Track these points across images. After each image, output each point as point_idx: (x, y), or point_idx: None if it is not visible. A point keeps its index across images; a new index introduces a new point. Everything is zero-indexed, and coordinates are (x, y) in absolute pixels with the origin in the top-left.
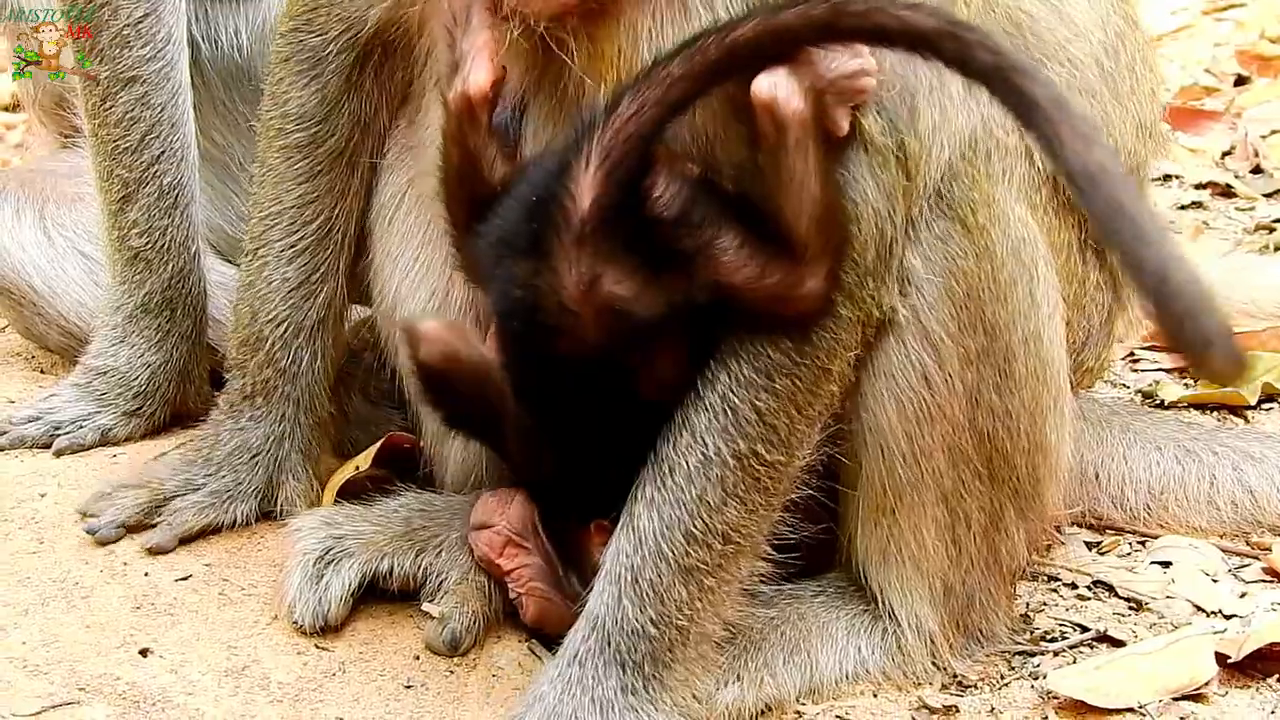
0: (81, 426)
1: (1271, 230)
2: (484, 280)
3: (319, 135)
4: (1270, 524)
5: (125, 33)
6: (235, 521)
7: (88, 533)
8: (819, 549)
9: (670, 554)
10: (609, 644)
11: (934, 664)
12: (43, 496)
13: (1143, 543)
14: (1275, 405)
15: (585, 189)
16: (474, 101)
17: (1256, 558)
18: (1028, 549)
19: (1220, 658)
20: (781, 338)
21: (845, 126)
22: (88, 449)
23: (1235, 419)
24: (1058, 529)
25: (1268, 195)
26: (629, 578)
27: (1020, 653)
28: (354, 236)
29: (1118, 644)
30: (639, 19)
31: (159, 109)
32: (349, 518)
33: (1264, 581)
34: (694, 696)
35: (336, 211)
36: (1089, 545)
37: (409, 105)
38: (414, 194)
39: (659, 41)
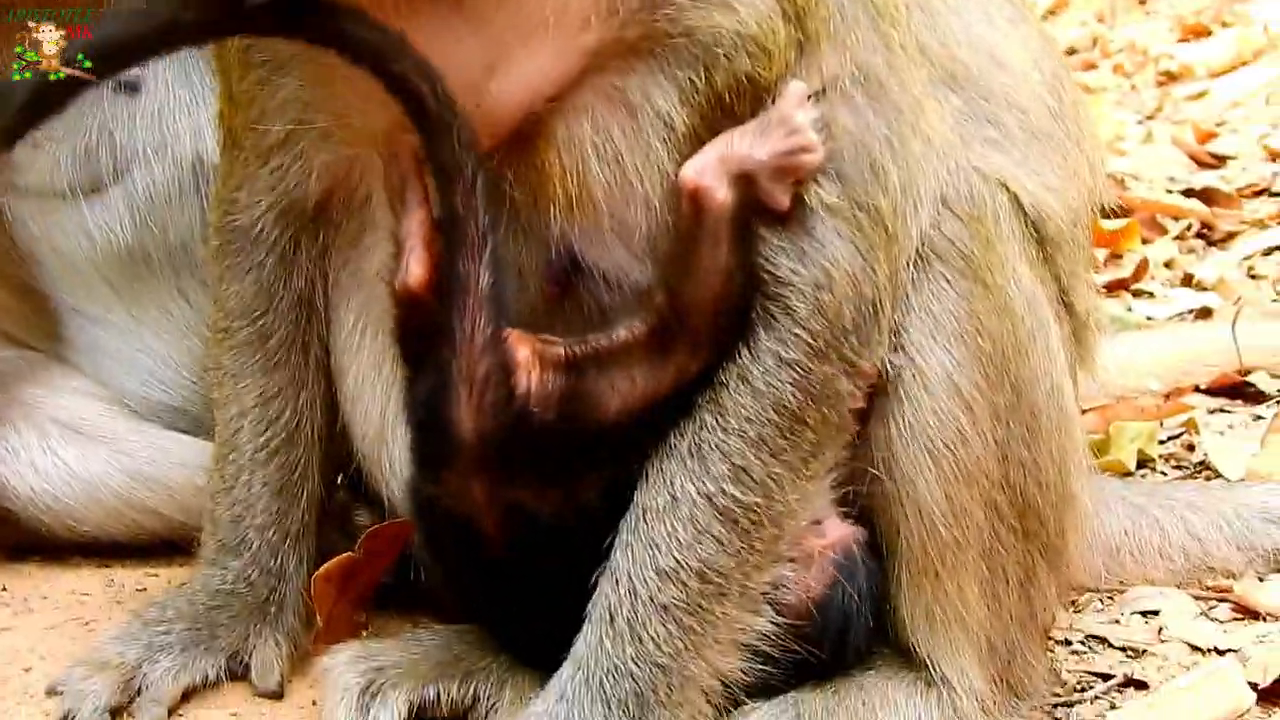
0: None
1: None
2: None
3: (265, 328)
4: (1220, 567)
5: None
6: (206, 678)
7: None
8: None
9: (643, 590)
10: (591, 680)
11: None
12: (28, 671)
13: (1111, 597)
14: (1148, 470)
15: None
16: (415, 291)
17: (1222, 599)
18: (1058, 602)
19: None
20: (750, 394)
21: (785, 202)
22: None
23: None
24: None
25: None
26: (607, 617)
27: (1061, 704)
28: (324, 428)
29: (1142, 686)
30: (579, 131)
31: None
32: (384, 650)
33: (1238, 619)
34: None
35: (301, 402)
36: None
37: (347, 235)
38: (374, 317)
39: (609, 148)
